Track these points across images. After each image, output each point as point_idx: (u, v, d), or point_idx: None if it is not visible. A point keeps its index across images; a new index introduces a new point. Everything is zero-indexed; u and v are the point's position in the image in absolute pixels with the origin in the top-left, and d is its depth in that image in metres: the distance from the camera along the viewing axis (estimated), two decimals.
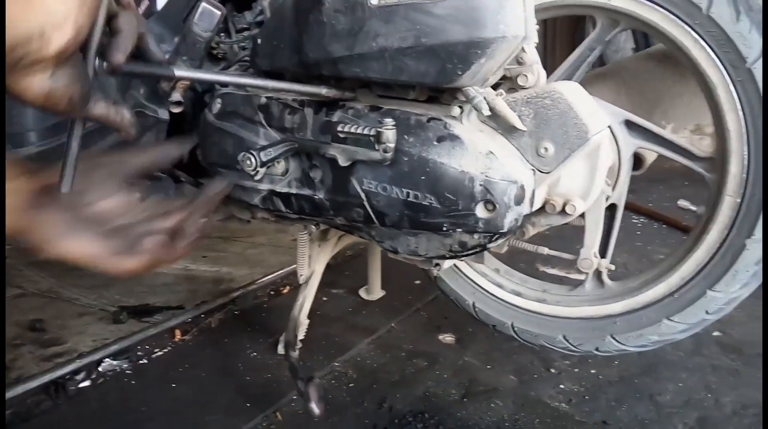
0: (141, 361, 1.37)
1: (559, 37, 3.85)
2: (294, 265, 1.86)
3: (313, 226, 1.16)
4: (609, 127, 0.99)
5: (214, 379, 1.30)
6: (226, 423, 1.14)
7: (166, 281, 1.81)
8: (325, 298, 1.71)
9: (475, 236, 0.94)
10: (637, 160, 1.17)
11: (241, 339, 1.48)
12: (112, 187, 0.61)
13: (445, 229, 0.94)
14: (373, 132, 0.90)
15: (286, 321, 1.31)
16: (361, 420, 1.15)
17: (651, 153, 1.20)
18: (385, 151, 0.89)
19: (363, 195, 0.98)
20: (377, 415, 1.17)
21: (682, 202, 1.06)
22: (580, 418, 1.16)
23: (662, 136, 1.04)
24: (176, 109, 1.10)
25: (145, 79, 0.74)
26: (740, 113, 0.93)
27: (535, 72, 0.94)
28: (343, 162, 0.95)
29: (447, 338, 1.48)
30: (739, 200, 0.96)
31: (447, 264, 1.08)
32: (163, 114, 1.21)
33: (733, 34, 0.89)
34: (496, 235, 0.93)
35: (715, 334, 1.48)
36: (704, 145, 1.09)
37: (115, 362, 1.34)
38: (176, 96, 1.08)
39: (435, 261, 1.06)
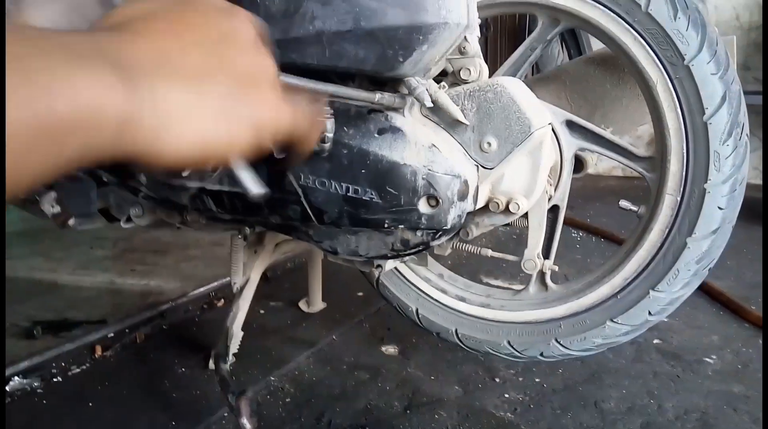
0: (55, 379, 1.24)
1: (502, 38, 3.93)
2: (229, 277, 1.77)
3: (248, 228, 1.09)
4: (551, 125, 0.98)
5: (136, 397, 1.19)
6: None
7: (88, 295, 1.68)
8: (262, 311, 1.63)
9: (418, 233, 0.90)
10: (578, 163, 1.17)
11: (169, 355, 1.37)
12: None
13: (386, 226, 0.89)
14: None
15: (219, 335, 1.22)
16: None
17: (591, 156, 1.20)
18: (323, 142, 0.84)
19: (300, 191, 0.92)
20: None
21: (624, 203, 1.05)
22: (525, 427, 1.12)
23: (603, 137, 1.04)
24: None
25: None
26: (678, 111, 0.93)
27: (477, 65, 0.92)
28: (278, 153, 0.89)
29: (390, 350, 1.43)
30: (679, 198, 0.96)
31: (389, 265, 1.03)
32: None
33: (672, 31, 0.90)
34: (440, 232, 0.90)
35: (656, 341, 1.49)
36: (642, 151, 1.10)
37: (24, 380, 1.21)
38: None
39: (376, 262, 1.01)
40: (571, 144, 1.05)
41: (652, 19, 0.91)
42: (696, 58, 0.90)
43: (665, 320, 1.62)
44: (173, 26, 0.36)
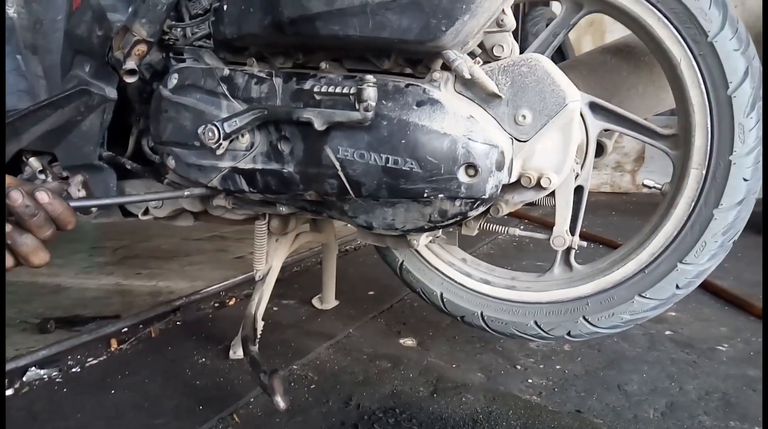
0: (72, 370, 1.22)
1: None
2: (241, 277, 1.76)
3: (281, 208, 1.09)
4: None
5: (158, 384, 1.17)
6: (177, 426, 1.02)
7: (96, 295, 1.65)
8: (275, 308, 1.62)
9: (456, 203, 0.91)
10: (599, 147, 1.20)
11: (187, 347, 1.35)
12: None
13: (425, 195, 0.90)
14: (353, 90, 0.86)
15: (235, 331, 1.20)
16: (328, 418, 1.06)
17: (609, 141, 1.24)
18: (366, 110, 0.85)
19: (338, 164, 0.93)
20: (344, 412, 1.08)
21: (647, 181, 1.08)
22: (553, 408, 1.12)
23: (626, 117, 1.07)
24: (130, 79, 1.02)
25: None
26: (703, 87, 0.97)
27: (509, 42, 0.95)
28: (319, 125, 0.90)
29: (408, 342, 1.42)
30: (704, 172, 0.99)
31: (423, 240, 1.04)
32: (111, 93, 1.12)
33: (695, 9, 0.94)
34: (478, 202, 0.91)
35: (667, 333, 1.51)
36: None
37: (42, 371, 1.18)
38: (131, 64, 1.00)
39: (411, 236, 1.02)
40: (596, 125, 1.08)
41: None
42: (719, 34, 0.93)
43: (673, 314, 1.65)
44: None
